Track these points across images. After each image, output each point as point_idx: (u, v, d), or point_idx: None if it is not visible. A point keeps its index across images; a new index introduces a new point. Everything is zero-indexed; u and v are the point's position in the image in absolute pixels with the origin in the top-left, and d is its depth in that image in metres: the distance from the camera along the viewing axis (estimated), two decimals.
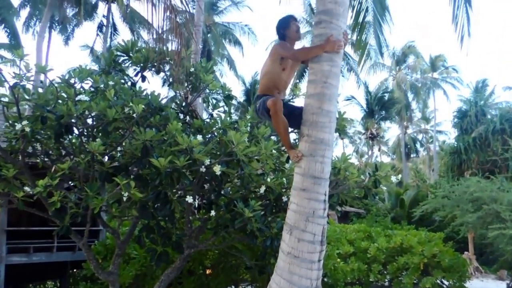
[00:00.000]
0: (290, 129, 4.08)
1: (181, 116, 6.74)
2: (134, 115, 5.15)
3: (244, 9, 25.29)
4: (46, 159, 5.86)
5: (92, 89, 5.65)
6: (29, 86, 5.16)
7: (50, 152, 5.88)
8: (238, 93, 30.18)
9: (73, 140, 5.80)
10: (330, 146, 3.59)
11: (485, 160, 17.69)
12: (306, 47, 4.08)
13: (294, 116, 3.80)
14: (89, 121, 5.59)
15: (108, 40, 22.46)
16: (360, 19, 7.14)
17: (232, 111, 7.47)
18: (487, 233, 11.48)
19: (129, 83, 6.53)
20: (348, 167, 6.03)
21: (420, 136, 47.32)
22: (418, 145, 46.59)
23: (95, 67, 26.01)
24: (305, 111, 3.65)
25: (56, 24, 23.39)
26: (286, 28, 4.06)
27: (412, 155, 46.84)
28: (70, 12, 20.97)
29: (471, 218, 11.88)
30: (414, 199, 21.60)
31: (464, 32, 6.58)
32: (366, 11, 7.13)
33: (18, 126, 4.82)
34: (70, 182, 5.63)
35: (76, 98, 5.28)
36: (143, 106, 5.17)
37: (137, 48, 6.62)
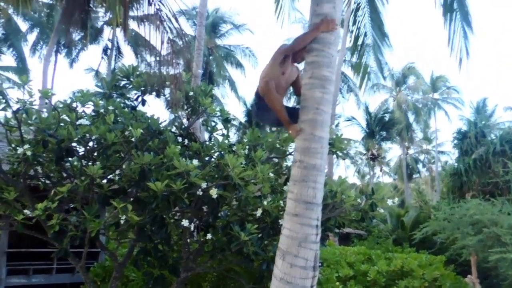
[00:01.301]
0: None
1: (180, 139, 6.84)
2: (133, 139, 5.27)
3: (245, 32, 25.79)
4: (47, 182, 5.95)
5: (94, 113, 5.78)
6: (32, 109, 5.30)
7: (51, 174, 5.98)
8: (239, 113, 30.53)
9: (74, 163, 5.90)
10: (322, 171, 3.67)
11: (486, 182, 17.68)
12: (302, 34, 4.14)
13: (288, 113, 3.88)
14: (90, 144, 5.71)
15: (113, 62, 22.92)
16: (359, 42, 7.28)
17: (234, 131, 7.59)
18: (489, 257, 11.40)
19: (130, 107, 6.67)
20: (344, 190, 6.10)
21: (422, 157, 47.30)
22: (420, 166, 46.52)
23: (99, 89, 26.48)
24: (297, 138, 3.74)
25: (62, 48, 24.01)
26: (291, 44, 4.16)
27: (414, 176, 46.74)
28: (76, 36, 21.54)
29: (472, 241, 11.81)
30: (415, 220, 21.46)
31: (462, 54, 6.66)
32: (365, 35, 7.28)
33: (20, 150, 4.95)
34: (70, 204, 5.70)
35: (77, 122, 5.39)
36: (141, 131, 5.29)
37: (137, 73, 6.78)
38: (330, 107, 3.87)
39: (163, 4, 6.60)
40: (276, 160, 7.20)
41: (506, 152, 17.02)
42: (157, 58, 7.04)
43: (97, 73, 25.71)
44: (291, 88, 4.36)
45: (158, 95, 6.84)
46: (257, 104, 4.01)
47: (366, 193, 6.44)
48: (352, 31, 7.45)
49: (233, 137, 27.34)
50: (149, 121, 6.08)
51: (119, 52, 23.34)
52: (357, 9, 7.08)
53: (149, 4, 6.64)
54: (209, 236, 5.82)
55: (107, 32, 22.88)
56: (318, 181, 3.59)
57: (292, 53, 4.02)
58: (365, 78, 7.30)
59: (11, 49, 22.48)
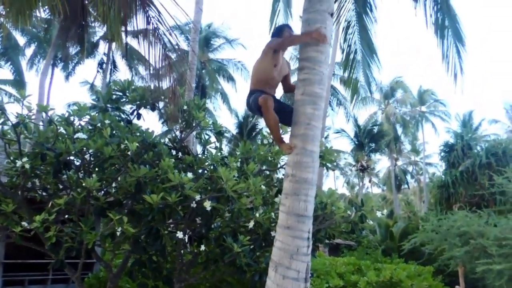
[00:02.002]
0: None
1: (174, 152, 6.98)
2: (129, 152, 5.41)
3: (238, 46, 26.19)
4: (44, 194, 6.05)
5: (90, 127, 5.91)
6: (31, 124, 5.42)
7: (48, 186, 6.08)
8: (231, 125, 30.74)
9: (71, 175, 6.01)
10: (313, 185, 3.84)
11: (472, 194, 17.97)
12: (294, 35, 4.37)
13: (285, 113, 4.08)
14: (87, 156, 5.83)
15: (108, 76, 23.15)
16: (350, 59, 7.52)
17: (225, 142, 7.74)
18: (476, 268, 11.58)
19: (125, 120, 6.80)
20: (334, 202, 6.28)
21: (410, 168, 47.83)
22: (408, 177, 47.01)
23: (94, 102, 26.59)
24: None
25: (59, 61, 24.29)
26: (280, 32, 4.40)
27: (402, 187, 47.18)
28: (72, 50, 21.80)
29: (459, 252, 12.00)
30: (404, 231, 21.68)
31: (456, 70, 6.88)
32: (355, 52, 7.51)
33: (18, 163, 5.05)
34: (66, 216, 5.81)
35: (75, 136, 5.52)
36: (137, 144, 5.43)
37: (133, 87, 6.94)
38: (321, 122, 4.06)
39: (158, 20, 6.76)
40: (267, 172, 7.37)
41: (492, 164, 17.37)
42: (151, 72, 7.20)
43: (92, 86, 25.93)
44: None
45: (153, 109, 6.98)
46: (252, 109, 4.20)
47: (355, 204, 6.62)
48: (342, 48, 7.68)
49: (225, 148, 27.52)
50: (144, 134, 6.23)
51: (114, 66, 23.57)
52: (348, 27, 7.31)
53: (147, 21, 6.80)
54: (202, 247, 5.94)
55: (103, 46, 23.18)
56: (310, 194, 3.76)
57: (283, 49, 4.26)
58: (355, 94, 7.53)
59: (9, 63, 22.88)
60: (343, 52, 7.58)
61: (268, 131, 7.97)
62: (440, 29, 6.76)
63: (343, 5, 7.14)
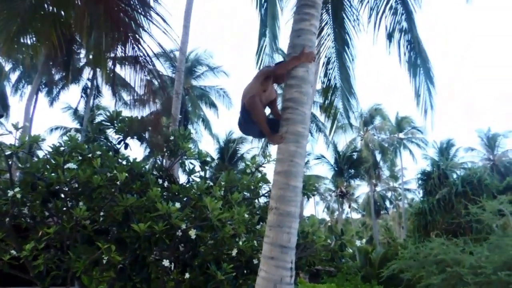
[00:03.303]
0: None
1: (160, 181, 7.15)
2: (118, 182, 5.58)
3: (220, 74, 26.66)
4: (30, 221, 6.12)
5: (80, 157, 6.07)
6: (23, 154, 5.56)
7: (35, 213, 6.16)
8: (212, 151, 31.00)
9: (58, 203, 6.11)
10: (296, 218, 4.08)
11: (450, 222, 18.45)
12: (284, 61, 4.61)
13: (271, 124, 4.34)
14: (75, 185, 5.96)
15: (91, 101, 23.23)
16: (330, 92, 7.89)
17: (207, 168, 7.90)
18: None
19: (113, 149, 6.97)
20: (316, 231, 6.54)
21: (389, 194, 48.49)
22: (387, 203, 47.64)
23: (77, 125, 26.52)
24: (273, 186, 4.17)
25: (43, 86, 24.35)
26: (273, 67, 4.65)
27: (382, 212, 47.74)
28: (57, 76, 21.92)
29: (436, 280, 12.28)
30: (383, 257, 21.96)
31: (427, 106, 7.29)
32: (335, 87, 7.89)
33: (10, 193, 5.17)
34: (54, 244, 5.89)
35: (65, 166, 5.67)
36: (126, 175, 5.61)
37: (120, 117, 7.14)
38: (304, 159, 4.34)
39: (143, 47, 6.94)
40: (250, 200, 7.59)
41: (468, 193, 17.94)
42: (135, 97, 7.39)
43: (76, 111, 25.98)
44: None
45: (139, 139, 7.18)
46: (243, 118, 4.43)
47: (335, 234, 6.87)
48: (322, 81, 8.07)
49: (208, 173, 27.58)
50: (131, 163, 6.42)
51: (98, 91, 23.70)
52: (328, 63, 7.72)
53: (133, 50, 7.00)
54: (187, 275, 6.07)
55: (87, 71, 23.27)
56: (293, 226, 3.99)
57: (274, 75, 4.50)
58: (334, 124, 7.90)
59: None
60: (323, 85, 7.96)
61: (250, 161, 8.25)
62: (413, 67, 7.20)
63: (324, 43, 7.55)
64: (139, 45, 6.45)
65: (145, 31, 5.46)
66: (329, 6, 7.04)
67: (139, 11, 5.51)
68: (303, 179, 8.23)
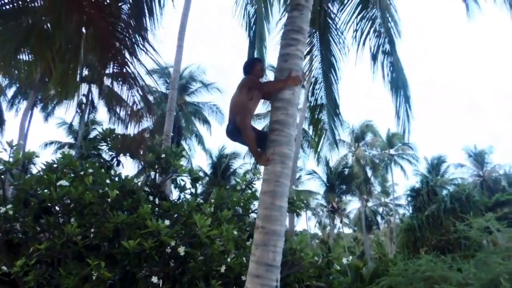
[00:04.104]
0: None
1: (151, 197, 7.27)
2: (109, 199, 5.71)
3: (213, 90, 26.97)
4: (22, 236, 6.20)
5: (72, 175, 6.19)
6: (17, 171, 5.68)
7: (27, 229, 6.24)
8: (205, 165, 31.16)
9: (50, 219, 6.20)
10: (282, 236, 4.21)
11: (439, 238, 18.60)
12: (272, 81, 4.75)
13: (260, 138, 4.48)
14: (67, 201, 6.06)
15: (86, 116, 23.33)
16: (317, 111, 8.09)
17: (199, 183, 8.05)
18: None
19: (106, 166, 7.11)
20: (303, 248, 6.68)
21: (380, 209, 48.66)
22: (379, 218, 47.76)
23: (71, 140, 26.50)
24: (259, 206, 4.31)
25: (38, 102, 24.45)
26: (252, 66, 4.81)
27: (373, 227, 47.82)
28: (52, 91, 21.98)
29: None
30: (374, 273, 21.93)
31: (405, 126, 7.49)
32: (322, 106, 8.09)
33: (2, 209, 5.27)
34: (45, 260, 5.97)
35: (57, 183, 5.79)
36: (117, 192, 5.74)
37: (114, 135, 7.29)
38: (289, 180, 4.49)
39: (131, 69, 7.05)
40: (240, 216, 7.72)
41: (456, 209, 18.14)
42: (129, 113, 7.53)
43: (70, 126, 26.10)
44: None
45: (132, 156, 7.32)
46: (233, 131, 4.53)
47: (323, 252, 7.01)
48: (310, 101, 8.29)
49: (199, 188, 27.67)
50: (123, 180, 6.55)
51: (93, 106, 23.82)
52: (315, 83, 7.93)
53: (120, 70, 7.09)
54: None
55: (83, 87, 23.33)
56: (278, 245, 4.12)
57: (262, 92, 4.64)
58: (321, 142, 8.10)
59: None
60: (310, 104, 8.17)
61: (240, 178, 8.41)
62: (395, 88, 7.42)
63: (312, 64, 7.79)
64: (127, 67, 6.60)
65: (135, 57, 5.63)
66: (316, 28, 7.27)
67: (131, 38, 5.68)
68: (292, 195, 8.44)
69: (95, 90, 21.68)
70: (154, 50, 5.50)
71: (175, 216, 6.76)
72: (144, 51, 6.13)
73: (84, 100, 22.56)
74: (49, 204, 5.68)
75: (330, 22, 7.31)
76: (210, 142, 66.44)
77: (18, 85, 24.27)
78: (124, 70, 6.71)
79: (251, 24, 7.56)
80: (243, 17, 7.64)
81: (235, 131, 4.47)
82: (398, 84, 7.41)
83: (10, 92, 25.02)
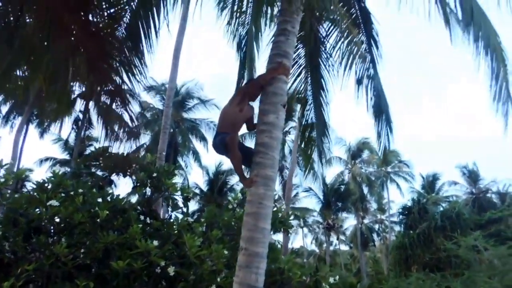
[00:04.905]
0: None
1: (142, 217, 7.35)
2: (98, 220, 5.80)
3: (211, 107, 27.04)
4: (11, 256, 6.26)
5: (63, 194, 6.29)
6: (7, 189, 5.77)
7: (16, 249, 6.30)
8: (202, 182, 31.16)
9: (40, 238, 6.27)
10: (264, 258, 4.30)
11: (429, 256, 18.63)
12: (263, 73, 4.87)
13: (247, 155, 4.57)
14: (57, 220, 6.15)
15: (82, 133, 23.37)
16: (307, 134, 8.23)
17: (193, 203, 8.15)
18: None
19: (98, 186, 7.21)
20: (291, 268, 6.75)
21: (376, 226, 48.55)
22: (375, 235, 47.64)
23: (67, 156, 26.46)
24: (243, 227, 4.41)
25: (34, 118, 24.44)
26: (248, 83, 5.02)
27: (369, 244, 47.65)
28: (48, 107, 22.06)
29: None
30: None
31: (385, 145, 7.60)
32: (312, 127, 8.24)
33: None
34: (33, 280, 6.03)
35: (48, 203, 5.89)
36: (107, 212, 5.84)
37: (107, 154, 7.42)
38: (272, 201, 4.59)
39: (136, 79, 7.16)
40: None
41: (447, 227, 18.22)
42: (126, 130, 7.68)
43: (66, 143, 26.09)
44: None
45: (124, 176, 7.43)
46: (220, 145, 4.65)
47: (310, 272, 7.08)
48: (300, 122, 8.44)
49: (195, 205, 27.72)
50: (114, 200, 6.65)
51: (89, 123, 23.87)
52: (305, 104, 8.09)
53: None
54: None
55: (79, 103, 23.52)
56: (261, 267, 4.20)
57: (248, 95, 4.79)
58: (309, 165, 8.22)
59: None
60: (300, 126, 8.32)
61: (232, 197, 8.53)
62: (377, 115, 7.55)
63: (302, 85, 7.96)
64: (122, 85, 6.71)
65: (130, 78, 5.77)
66: (307, 51, 7.45)
67: (126, 59, 5.81)
68: (284, 214, 8.52)
69: (91, 107, 21.79)
70: (144, 76, 5.63)
71: (166, 235, 6.84)
72: (139, 71, 6.28)
73: (81, 116, 22.63)
74: (40, 224, 5.76)
75: (320, 45, 7.50)
76: (207, 159, 66.47)
77: (12, 101, 24.32)
78: (119, 89, 6.84)
79: (242, 45, 7.74)
80: (234, 37, 7.83)
81: (222, 146, 4.59)
82: (380, 108, 7.54)
83: (4, 108, 25.01)
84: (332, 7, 6.40)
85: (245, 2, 4.73)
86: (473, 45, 5.70)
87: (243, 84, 5.20)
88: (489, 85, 5.87)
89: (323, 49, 7.56)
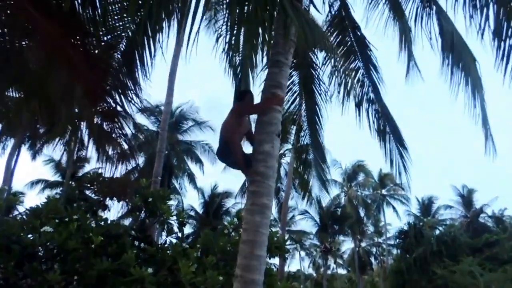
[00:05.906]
0: None
1: (137, 242, 7.30)
2: (92, 245, 5.75)
3: (206, 129, 27.00)
4: (2, 283, 6.17)
5: (57, 220, 6.25)
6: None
7: (8, 275, 6.22)
8: (197, 204, 30.85)
9: (33, 265, 6.20)
10: (260, 285, 4.27)
11: (426, 282, 18.46)
12: (259, 103, 4.96)
13: (247, 157, 4.69)
14: (50, 247, 6.09)
15: (75, 154, 23.24)
16: (303, 157, 8.27)
17: (190, 223, 8.11)
18: None
19: (91, 211, 7.17)
20: None
21: (374, 249, 48.19)
22: (372, 258, 47.25)
23: (59, 178, 26.26)
24: (239, 255, 4.39)
25: (26, 140, 24.24)
26: (243, 96, 5.10)
27: (367, 268, 47.22)
28: (41, 129, 21.94)
29: None
30: None
31: (400, 169, 7.60)
32: (307, 153, 8.28)
33: None
34: None
35: (41, 229, 5.85)
36: (101, 238, 5.80)
37: (101, 179, 7.40)
38: (268, 229, 4.59)
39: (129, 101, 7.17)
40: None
41: (442, 252, 18.13)
42: (118, 151, 7.65)
43: (58, 165, 25.83)
44: None
45: (119, 200, 7.40)
46: (223, 149, 4.83)
47: None
48: (295, 148, 8.49)
49: (191, 228, 27.47)
50: (108, 225, 6.61)
51: (82, 144, 23.76)
52: (299, 130, 8.15)
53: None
54: None
55: (74, 125, 23.33)
56: None
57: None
58: (307, 191, 8.22)
59: None
60: (295, 152, 8.35)
61: (228, 222, 8.50)
62: (382, 134, 7.61)
63: (295, 112, 8.03)
64: (117, 108, 6.72)
65: (125, 100, 5.82)
66: (301, 79, 7.55)
67: (121, 83, 5.87)
68: (280, 240, 8.47)
69: (84, 128, 21.75)
70: (140, 101, 5.68)
71: (160, 261, 6.78)
72: (135, 95, 6.32)
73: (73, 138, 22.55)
74: (33, 250, 5.71)
75: (313, 72, 7.60)
76: (203, 181, 66.38)
77: (4, 122, 24.11)
78: (113, 112, 6.86)
79: (237, 72, 7.83)
80: (229, 65, 7.93)
81: (224, 147, 4.76)
82: (385, 130, 7.58)
83: None
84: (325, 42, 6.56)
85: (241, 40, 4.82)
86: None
87: (239, 93, 5.36)
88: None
89: (317, 75, 7.66)
